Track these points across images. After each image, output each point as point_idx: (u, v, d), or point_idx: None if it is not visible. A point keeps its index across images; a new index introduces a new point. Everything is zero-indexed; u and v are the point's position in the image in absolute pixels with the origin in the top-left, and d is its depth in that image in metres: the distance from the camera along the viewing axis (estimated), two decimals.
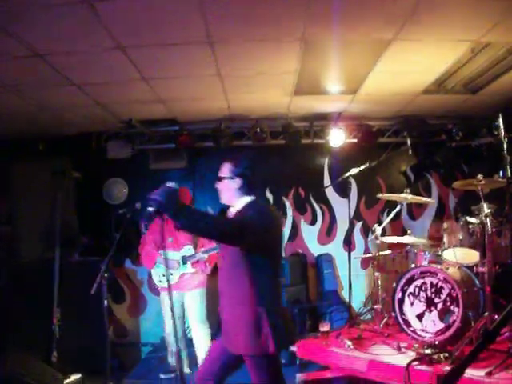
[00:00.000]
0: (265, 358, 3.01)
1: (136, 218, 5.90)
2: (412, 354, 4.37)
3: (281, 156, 6.96)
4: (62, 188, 6.22)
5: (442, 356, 4.08)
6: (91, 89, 5.23)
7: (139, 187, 7.06)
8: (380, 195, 5.96)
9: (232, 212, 3.24)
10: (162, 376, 5.70)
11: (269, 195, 7.14)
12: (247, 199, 3.21)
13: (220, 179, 3.25)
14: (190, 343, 5.59)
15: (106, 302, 4.99)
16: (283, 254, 7.00)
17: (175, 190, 2.86)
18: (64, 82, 4.89)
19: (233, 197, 3.24)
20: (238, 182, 3.21)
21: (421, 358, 4.14)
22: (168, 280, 5.25)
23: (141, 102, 5.82)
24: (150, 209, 2.75)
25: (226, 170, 3.23)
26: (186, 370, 5.66)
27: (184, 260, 5.40)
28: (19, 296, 6.04)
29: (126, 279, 7.20)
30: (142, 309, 7.16)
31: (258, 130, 6.47)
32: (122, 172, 7.20)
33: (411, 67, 4.92)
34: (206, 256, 5.29)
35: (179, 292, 5.45)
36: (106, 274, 4.84)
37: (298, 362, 5.25)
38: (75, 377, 5.26)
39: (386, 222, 5.87)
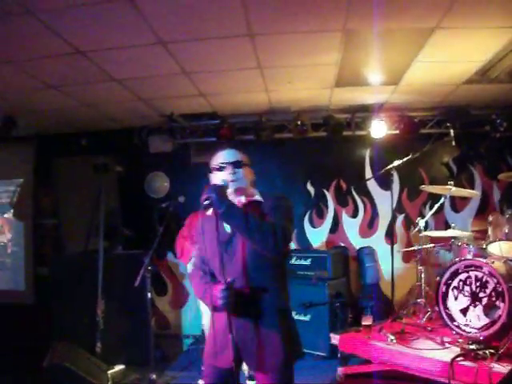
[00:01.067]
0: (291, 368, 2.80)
1: (178, 211, 6.01)
2: (456, 350, 4.29)
3: (322, 148, 6.90)
4: (104, 182, 6.32)
5: (487, 352, 3.98)
6: (132, 84, 5.30)
7: (181, 181, 7.12)
8: (423, 187, 5.87)
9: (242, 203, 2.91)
10: (203, 368, 5.74)
11: (310, 188, 7.10)
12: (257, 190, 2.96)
13: (240, 164, 2.89)
14: None
15: (149, 294, 5.08)
16: (324, 247, 7.00)
17: (225, 187, 2.76)
18: (105, 77, 4.97)
19: (249, 186, 2.94)
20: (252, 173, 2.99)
21: (465, 354, 4.06)
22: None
23: (182, 96, 5.86)
24: (207, 202, 2.66)
25: (243, 156, 2.93)
26: None
27: None
28: (64, 288, 6.18)
29: (169, 272, 7.27)
30: (184, 301, 7.21)
31: (299, 122, 6.43)
32: (164, 166, 7.27)
33: (454, 56, 4.82)
34: None
35: None
36: (149, 267, 4.94)
37: (339, 356, 5.22)
38: (119, 367, 5.37)
39: (429, 215, 5.78)
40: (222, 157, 2.89)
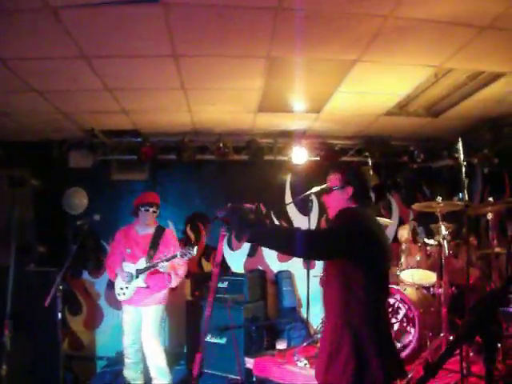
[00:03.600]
0: None
1: (95, 229, 5.89)
2: None
3: (243, 171, 6.94)
4: (19, 196, 6.11)
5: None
6: (53, 96, 5.16)
7: (100, 198, 6.99)
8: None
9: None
10: None
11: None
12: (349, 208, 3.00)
13: (329, 191, 3.02)
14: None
15: (59, 314, 4.91)
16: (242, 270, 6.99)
17: (240, 207, 2.79)
18: (25, 87, 4.81)
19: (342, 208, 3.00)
20: (348, 190, 2.97)
21: None
22: (124, 293, 5.29)
23: (104, 112, 5.76)
24: (219, 215, 2.74)
25: (335, 180, 3.01)
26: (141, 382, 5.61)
27: (137, 273, 5.37)
28: None
29: (83, 291, 7.06)
30: (99, 322, 7.02)
31: (222, 144, 6.45)
32: (83, 182, 7.08)
33: (374, 89, 5.00)
34: (166, 265, 5.24)
35: (135, 307, 5.42)
36: (60, 286, 4.78)
37: (254, 379, 5.22)
38: None
39: None
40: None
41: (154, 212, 5.55)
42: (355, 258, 2.71)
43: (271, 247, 2.84)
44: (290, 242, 2.67)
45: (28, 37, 3.79)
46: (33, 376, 5.46)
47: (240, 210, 2.75)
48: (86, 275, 7.03)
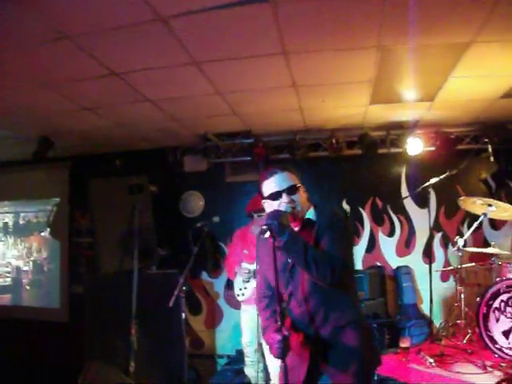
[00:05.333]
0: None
1: (213, 231, 6.01)
2: (499, 374, 4.17)
3: (357, 166, 6.81)
4: (139, 202, 6.35)
5: None
6: (166, 104, 5.32)
7: (215, 200, 7.15)
8: (462, 198, 5.72)
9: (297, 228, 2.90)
10: None
11: (346, 206, 7.01)
12: (312, 206, 2.92)
13: (295, 189, 2.83)
14: None
15: (183, 314, 5.07)
16: (361, 267, 6.87)
17: (285, 213, 2.74)
18: (140, 98, 5.00)
19: (307, 209, 2.89)
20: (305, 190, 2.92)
21: (509, 379, 3.94)
22: (243, 294, 5.36)
23: (216, 116, 5.86)
24: (265, 228, 2.64)
25: (294, 177, 2.87)
26: (262, 382, 5.65)
27: (255, 273, 5.42)
28: (99, 308, 6.19)
29: (203, 291, 7.25)
30: (218, 321, 7.19)
31: (334, 140, 6.37)
32: (199, 185, 7.29)
33: (489, 71, 4.71)
34: None
35: (254, 306, 5.47)
36: (183, 287, 4.93)
37: (376, 378, 5.10)
38: None
39: (468, 233, 5.63)
40: (275, 184, 2.83)
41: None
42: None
43: (299, 261, 2.67)
44: (319, 264, 2.60)
45: (140, 49, 3.92)
46: (158, 373, 5.66)
47: (279, 216, 2.67)
48: (205, 276, 7.22)
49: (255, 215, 5.55)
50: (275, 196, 2.80)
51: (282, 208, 2.76)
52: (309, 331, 2.85)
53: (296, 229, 2.85)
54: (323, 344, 2.79)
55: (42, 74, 4.32)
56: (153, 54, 4.03)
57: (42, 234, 7.96)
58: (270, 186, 2.83)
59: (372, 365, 2.86)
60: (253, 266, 5.46)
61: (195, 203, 7.23)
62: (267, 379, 5.52)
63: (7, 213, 8.33)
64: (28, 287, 8.01)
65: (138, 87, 4.73)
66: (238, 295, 5.61)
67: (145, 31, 3.58)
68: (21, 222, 8.22)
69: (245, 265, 5.57)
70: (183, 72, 4.41)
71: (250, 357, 5.62)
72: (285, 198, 2.79)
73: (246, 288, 5.52)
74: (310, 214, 2.87)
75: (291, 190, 2.80)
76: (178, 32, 3.62)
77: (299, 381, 2.79)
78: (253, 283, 5.43)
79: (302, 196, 2.84)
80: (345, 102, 5.52)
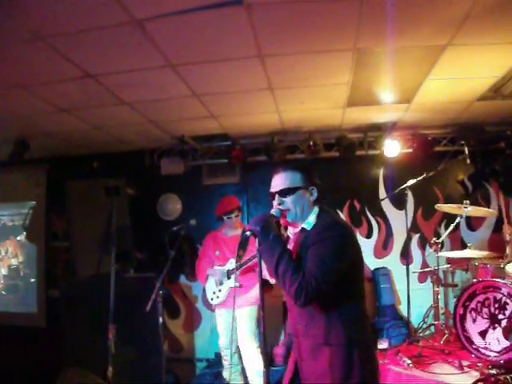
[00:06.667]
0: None
1: (190, 234, 5.99)
2: (475, 374, 4.19)
3: (335, 168, 6.81)
4: (116, 205, 6.30)
5: (508, 377, 3.88)
6: (143, 107, 5.28)
7: (193, 203, 7.14)
8: (438, 205, 5.79)
9: (291, 234, 2.87)
10: None
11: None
12: (315, 212, 2.77)
13: (290, 191, 2.74)
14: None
15: (160, 318, 5.04)
16: None
17: (271, 216, 2.70)
18: (116, 100, 4.96)
19: (305, 212, 2.75)
20: (313, 191, 2.79)
21: (485, 379, 3.97)
22: (218, 297, 5.34)
23: (193, 118, 5.83)
24: (248, 233, 2.64)
25: (296, 178, 2.76)
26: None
27: (228, 274, 5.43)
28: (76, 312, 6.13)
29: (181, 295, 7.22)
30: (197, 324, 7.16)
31: (311, 142, 6.38)
32: (176, 188, 7.26)
33: (466, 73, 4.74)
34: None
35: (228, 309, 5.47)
36: (160, 291, 4.92)
37: None
38: None
39: (445, 234, 5.68)
40: (272, 184, 2.81)
41: (237, 216, 5.60)
42: (353, 266, 2.72)
43: (272, 272, 2.65)
44: (286, 281, 2.55)
45: (116, 51, 3.88)
46: (137, 377, 5.62)
47: (263, 221, 2.64)
48: (183, 279, 7.19)
49: (225, 217, 5.56)
50: (271, 197, 2.79)
51: (272, 211, 2.73)
52: (294, 339, 2.81)
53: (295, 231, 2.82)
54: (302, 357, 2.73)
55: (15, 75, 4.25)
56: (128, 56, 3.98)
57: (18, 238, 7.85)
58: (271, 185, 2.82)
59: None
60: (226, 268, 5.47)
61: (172, 206, 7.20)
62: (245, 382, 5.52)
63: None
64: (4, 292, 7.90)
65: (113, 89, 4.68)
66: (212, 299, 5.61)
67: (120, 33, 3.54)
68: None
69: (216, 268, 5.56)
70: (159, 74, 4.38)
71: (227, 360, 5.63)
72: (276, 200, 2.75)
73: (220, 291, 5.52)
74: (310, 218, 2.76)
75: (284, 193, 2.73)
76: (154, 35, 3.59)
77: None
78: (227, 284, 5.43)
79: (300, 199, 2.74)
80: (322, 104, 5.53)
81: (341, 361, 2.58)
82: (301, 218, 2.75)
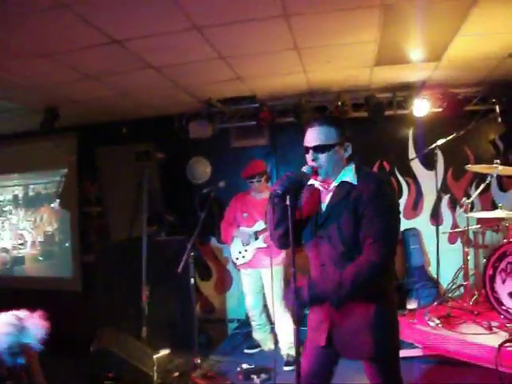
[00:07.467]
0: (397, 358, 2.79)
1: (220, 196, 6.03)
2: (504, 335, 4.18)
3: (364, 129, 6.68)
4: (146, 169, 6.38)
5: None
6: (169, 71, 5.28)
7: (222, 165, 7.17)
8: (468, 166, 5.70)
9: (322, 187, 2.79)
10: (245, 351, 5.83)
11: None
12: (352, 167, 2.73)
13: (326, 148, 2.67)
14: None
15: (192, 280, 5.14)
16: None
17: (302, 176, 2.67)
18: (142, 65, 4.97)
19: (339, 169, 2.71)
20: (348, 148, 2.75)
21: None
22: (243, 256, 5.38)
23: (219, 81, 5.82)
24: (279, 191, 2.60)
25: (332, 134, 2.68)
26: (271, 346, 5.73)
27: (256, 235, 5.45)
28: (110, 276, 6.28)
29: (212, 257, 7.32)
30: (228, 286, 7.27)
31: (340, 103, 6.30)
32: (205, 151, 7.30)
33: (497, 28, 4.57)
34: None
35: (255, 269, 5.51)
36: (192, 253, 5.00)
37: None
38: (164, 352, 5.45)
39: (475, 195, 5.60)
40: (307, 138, 2.73)
41: (259, 181, 5.56)
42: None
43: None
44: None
45: (141, 15, 3.87)
46: (170, 338, 5.76)
47: (290, 177, 2.61)
48: (213, 241, 7.27)
49: (248, 182, 5.56)
50: (306, 151, 2.73)
51: (304, 168, 2.68)
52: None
53: (325, 188, 2.76)
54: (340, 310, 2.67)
55: (40, 44, 4.29)
56: (153, 19, 3.98)
57: (52, 205, 8.02)
58: (305, 138, 2.74)
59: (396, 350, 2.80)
60: (252, 229, 5.50)
61: (202, 169, 7.24)
62: (275, 341, 5.59)
63: (17, 185, 8.40)
64: (41, 258, 8.12)
65: (139, 54, 4.69)
66: (238, 258, 5.64)
67: None
68: (30, 193, 8.28)
69: (243, 229, 5.59)
70: (185, 37, 4.37)
71: (255, 320, 5.71)
72: (309, 156, 2.70)
73: (246, 251, 5.55)
74: (347, 174, 2.70)
75: (319, 149, 2.66)
76: None
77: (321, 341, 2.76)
78: (254, 245, 5.47)
79: (335, 156, 2.68)
80: (349, 63, 5.45)
81: (381, 317, 2.64)
82: (333, 175, 2.71)
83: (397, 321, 2.77)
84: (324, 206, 2.74)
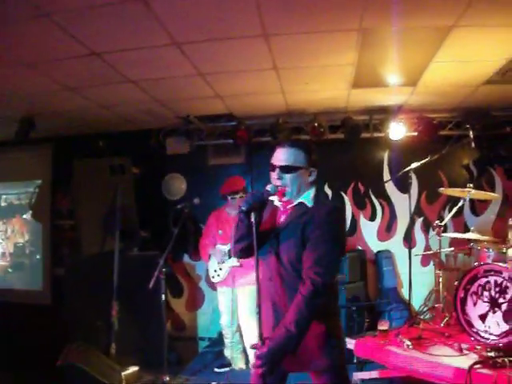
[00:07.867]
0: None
1: (194, 213, 6.02)
2: (474, 357, 4.18)
3: (340, 150, 6.78)
4: (121, 183, 6.34)
5: (506, 360, 3.88)
6: (148, 85, 5.28)
7: (198, 182, 7.15)
8: (442, 190, 5.77)
9: (281, 206, 2.87)
10: (216, 370, 5.77)
11: (328, 190, 6.98)
12: (312, 191, 2.82)
13: (291, 169, 2.74)
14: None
15: (163, 296, 5.09)
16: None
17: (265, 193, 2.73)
18: (121, 79, 4.96)
19: (302, 192, 2.78)
20: (313, 173, 2.81)
21: (484, 361, 3.95)
22: (218, 275, 5.37)
23: (198, 98, 5.84)
24: (244, 208, 2.70)
25: (300, 158, 2.75)
26: (242, 365, 5.69)
27: (230, 253, 5.45)
28: (80, 290, 6.19)
29: (185, 274, 7.27)
30: (200, 303, 7.22)
31: (316, 124, 6.36)
32: (181, 167, 7.28)
33: (472, 56, 4.70)
34: None
35: (229, 287, 5.50)
36: (163, 269, 4.95)
37: (355, 361, 5.16)
38: (133, 369, 5.36)
39: (448, 217, 5.67)
40: (275, 156, 2.80)
41: (241, 197, 5.54)
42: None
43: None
44: None
45: (121, 29, 3.88)
46: (139, 354, 5.68)
47: (254, 195, 2.74)
48: (186, 258, 7.25)
49: (229, 198, 5.57)
50: (271, 168, 2.79)
51: (268, 187, 2.74)
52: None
53: (284, 207, 2.84)
54: None
55: (20, 53, 4.26)
56: (133, 34, 3.98)
57: (24, 216, 7.90)
58: (273, 156, 2.80)
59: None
60: (227, 247, 5.50)
61: (177, 185, 7.23)
62: (246, 361, 5.56)
63: None
64: (10, 270, 7.98)
65: (118, 67, 4.68)
66: (213, 277, 5.66)
67: (125, 10, 3.54)
68: (2, 204, 8.14)
69: (219, 246, 5.60)
70: (164, 53, 4.38)
71: (228, 338, 5.69)
72: (275, 174, 2.76)
73: (221, 269, 5.56)
74: (305, 197, 2.79)
75: (285, 169, 2.73)
76: (158, 12, 3.58)
77: None
78: (228, 263, 5.47)
79: (300, 178, 2.75)
80: (327, 85, 5.51)
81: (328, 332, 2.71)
82: (296, 197, 2.78)
83: (343, 335, 2.92)
84: (280, 224, 2.83)
